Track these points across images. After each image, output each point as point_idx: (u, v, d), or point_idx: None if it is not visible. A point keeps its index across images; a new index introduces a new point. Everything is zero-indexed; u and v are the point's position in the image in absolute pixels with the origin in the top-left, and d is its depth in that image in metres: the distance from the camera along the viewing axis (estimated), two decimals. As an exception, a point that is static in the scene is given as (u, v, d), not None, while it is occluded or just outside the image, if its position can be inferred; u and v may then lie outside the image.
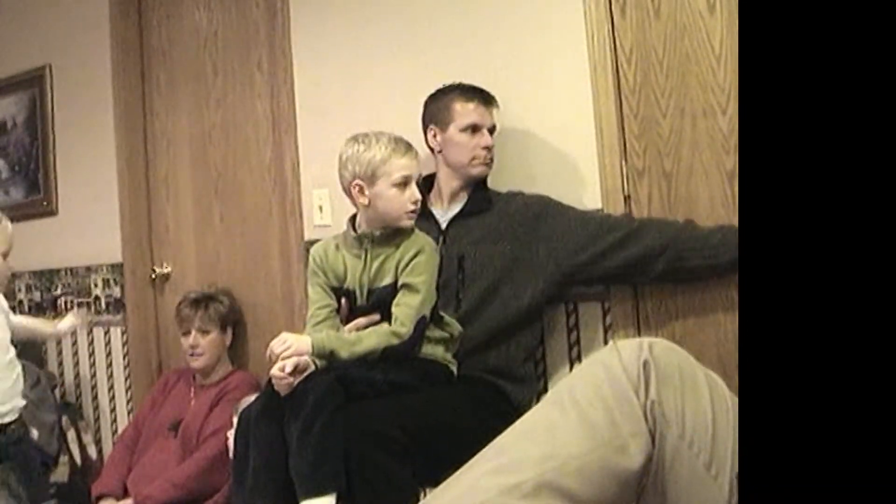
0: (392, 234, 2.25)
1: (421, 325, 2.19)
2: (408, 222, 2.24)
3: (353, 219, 2.32)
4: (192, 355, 3.26)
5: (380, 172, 2.20)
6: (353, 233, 2.28)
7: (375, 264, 2.24)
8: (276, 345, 2.10)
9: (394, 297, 2.20)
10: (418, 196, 2.24)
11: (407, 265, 2.20)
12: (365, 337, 2.15)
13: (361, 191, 2.22)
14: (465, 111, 2.58)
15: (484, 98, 2.60)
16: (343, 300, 2.30)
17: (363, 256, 2.26)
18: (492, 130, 2.59)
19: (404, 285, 2.20)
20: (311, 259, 2.36)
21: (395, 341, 2.14)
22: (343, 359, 2.11)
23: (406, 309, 2.17)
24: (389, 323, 2.19)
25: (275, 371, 2.06)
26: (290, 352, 2.08)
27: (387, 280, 2.23)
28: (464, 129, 2.56)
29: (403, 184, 2.21)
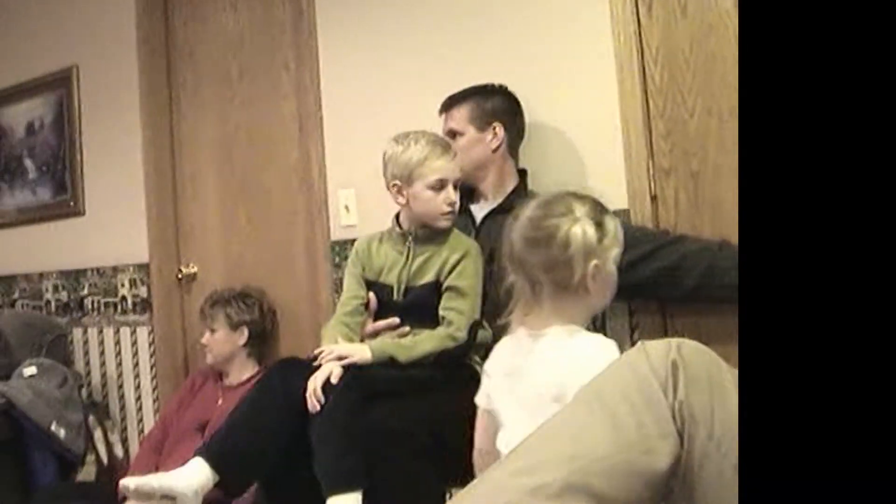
0: (436, 234, 2.28)
1: (474, 330, 2.21)
2: (444, 223, 2.27)
3: (398, 215, 2.36)
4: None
5: (416, 174, 2.24)
6: (397, 229, 2.31)
7: (418, 262, 2.27)
8: (329, 355, 2.10)
9: (432, 296, 2.23)
10: (454, 198, 2.26)
11: (453, 268, 2.23)
12: (420, 342, 2.18)
13: (400, 191, 2.28)
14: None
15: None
16: (371, 295, 2.32)
17: (405, 253, 2.29)
18: (454, 133, 2.57)
19: (452, 288, 2.22)
20: (353, 251, 2.41)
21: (451, 345, 2.17)
22: (401, 363, 2.13)
23: (459, 315, 2.19)
24: (423, 323, 2.21)
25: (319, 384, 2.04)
26: (351, 360, 2.08)
27: (427, 278, 2.25)
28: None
29: (440, 186, 2.23)
